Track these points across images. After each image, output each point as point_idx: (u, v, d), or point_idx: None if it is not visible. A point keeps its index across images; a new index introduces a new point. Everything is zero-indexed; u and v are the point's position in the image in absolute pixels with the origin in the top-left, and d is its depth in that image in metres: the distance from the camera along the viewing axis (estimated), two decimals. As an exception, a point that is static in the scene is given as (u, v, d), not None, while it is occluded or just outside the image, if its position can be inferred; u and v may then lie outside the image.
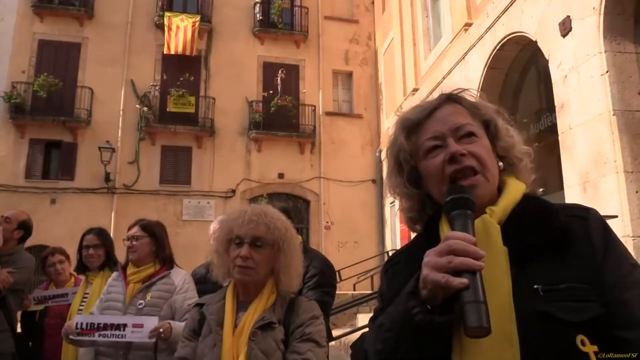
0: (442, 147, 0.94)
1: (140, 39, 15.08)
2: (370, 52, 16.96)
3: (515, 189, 0.94)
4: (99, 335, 2.39)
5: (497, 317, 0.76)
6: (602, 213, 0.97)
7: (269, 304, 1.68)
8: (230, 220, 1.75)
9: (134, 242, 2.63)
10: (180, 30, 14.70)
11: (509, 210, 0.90)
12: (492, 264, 0.81)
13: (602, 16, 5.21)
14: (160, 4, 15.32)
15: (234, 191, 14.74)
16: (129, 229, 2.71)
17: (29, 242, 3.56)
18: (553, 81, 6.11)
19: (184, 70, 14.81)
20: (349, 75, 16.81)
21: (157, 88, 14.60)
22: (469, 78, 8.17)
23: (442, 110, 0.98)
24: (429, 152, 0.95)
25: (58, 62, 14.34)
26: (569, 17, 5.73)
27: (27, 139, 13.78)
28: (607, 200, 5.02)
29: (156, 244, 2.68)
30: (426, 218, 1.02)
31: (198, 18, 15.00)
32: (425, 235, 0.99)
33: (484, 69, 7.82)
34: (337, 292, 3.12)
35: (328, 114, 16.04)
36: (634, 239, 4.73)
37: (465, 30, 8.66)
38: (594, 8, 5.31)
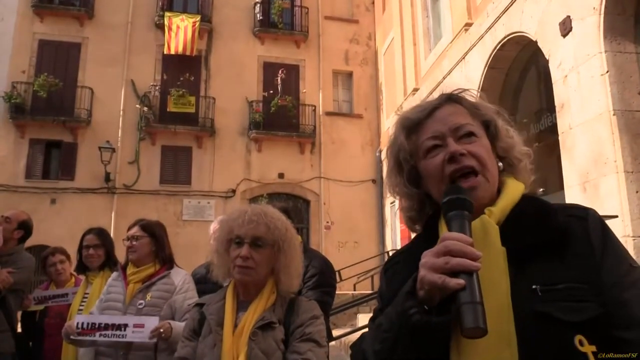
0: (442, 147, 0.94)
1: (141, 39, 15.09)
2: (370, 52, 16.96)
3: (514, 190, 0.94)
4: (100, 335, 2.39)
5: (495, 318, 0.76)
6: (602, 213, 0.97)
7: (269, 304, 1.68)
8: (230, 220, 1.75)
9: (134, 242, 2.63)
10: (181, 30, 14.70)
11: (508, 211, 0.90)
12: (491, 264, 0.81)
13: (602, 16, 5.21)
14: (160, 4, 15.33)
15: (234, 191, 14.74)
16: (129, 229, 2.71)
17: (29, 242, 3.56)
18: (553, 81, 6.11)
19: (184, 70, 14.81)
20: (349, 75, 16.82)
21: (157, 88, 14.60)
22: (469, 78, 8.16)
23: (442, 110, 0.98)
24: (429, 152, 0.95)
25: (58, 62, 14.34)
26: (569, 17, 5.73)
27: (27, 139, 13.78)
28: (607, 200, 5.01)
29: (156, 244, 2.68)
30: (426, 218, 1.02)
31: (198, 18, 15.00)
32: (425, 235, 0.99)
33: (484, 69, 7.82)
34: (337, 292, 3.13)
35: (328, 114, 16.04)
36: (634, 239, 4.73)
37: (466, 30, 8.66)
38: (594, 8, 5.31)
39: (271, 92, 15.20)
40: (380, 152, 15.41)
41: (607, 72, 5.13)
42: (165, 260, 2.70)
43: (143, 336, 2.32)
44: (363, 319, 8.36)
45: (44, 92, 13.63)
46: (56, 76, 13.87)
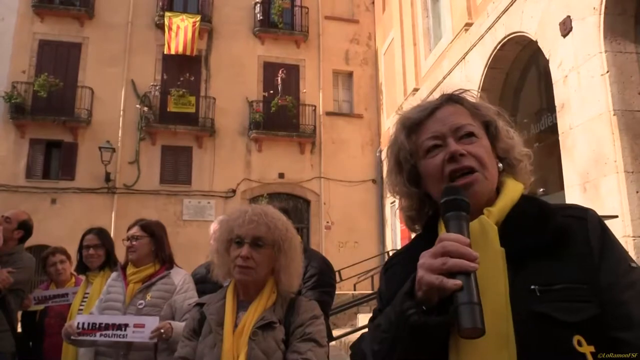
0: (442, 147, 0.94)
1: (141, 39, 15.09)
2: (370, 52, 16.96)
3: (513, 190, 0.94)
4: (101, 335, 2.39)
5: (493, 318, 0.76)
6: (602, 213, 0.97)
7: (269, 304, 1.68)
8: (230, 220, 1.75)
9: (134, 242, 2.63)
10: (181, 30, 14.71)
11: (507, 211, 0.90)
12: (489, 264, 0.81)
13: (602, 16, 5.21)
14: (160, 3, 15.33)
15: (234, 191, 14.74)
16: (129, 229, 2.71)
17: (29, 242, 3.56)
18: (553, 81, 6.11)
19: (184, 70, 14.82)
20: (349, 75, 16.82)
21: (157, 88, 14.61)
22: (469, 78, 8.17)
23: (442, 110, 0.98)
24: (429, 152, 0.95)
25: (58, 62, 14.35)
26: (569, 17, 5.73)
27: (27, 138, 13.78)
28: (607, 201, 5.01)
29: (156, 244, 2.68)
30: (425, 218, 1.02)
31: (198, 18, 15.01)
32: (425, 235, 0.99)
33: (485, 69, 7.82)
34: (337, 292, 3.12)
35: (328, 114, 16.04)
36: (634, 239, 4.73)
37: (466, 30, 8.65)
38: (594, 8, 5.31)
39: (271, 92, 15.20)
40: (380, 152, 15.41)
41: (608, 72, 5.13)
42: (165, 260, 2.70)
43: (143, 336, 2.32)
44: (363, 319, 8.36)
45: (44, 92, 13.63)
46: (56, 76, 13.87)
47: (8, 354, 3.02)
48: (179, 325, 2.28)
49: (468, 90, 1.03)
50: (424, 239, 0.95)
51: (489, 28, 7.63)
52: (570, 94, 5.70)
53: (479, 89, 7.69)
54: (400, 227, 13.27)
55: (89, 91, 14.29)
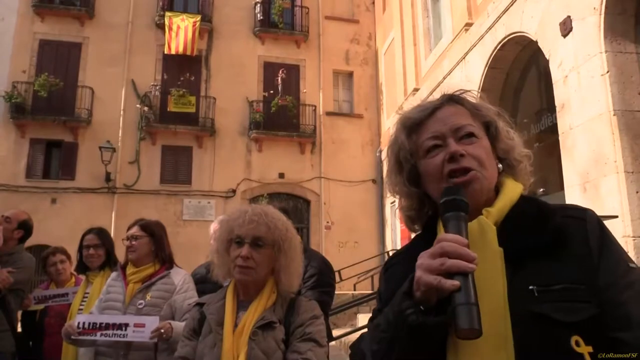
0: (442, 147, 0.94)
1: (141, 38, 15.09)
2: (370, 52, 16.96)
3: (512, 190, 0.94)
4: (101, 334, 2.39)
5: (491, 318, 0.77)
6: (602, 213, 0.97)
7: (269, 304, 1.69)
8: (230, 220, 1.75)
9: (133, 242, 2.63)
10: (181, 30, 14.71)
11: (506, 211, 0.90)
12: (487, 265, 0.81)
13: (602, 16, 5.21)
14: (160, 3, 15.33)
15: (234, 191, 14.75)
16: (128, 228, 2.71)
17: (29, 242, 3.56)
18: (553, 81, 6.11)
19: (184, 70, 14.82)
20: (350, 75, 16.82)
21: (157, 88, 14.61)
22: (469, 78, 8.17)
23: (443, 111, 0.98)
24: (429, 152, 0.96)
25: (59, 61, 14.35)
26: (569, 17, 5.73)
27: (27, 138, 13.78)
28: (607, 201, 5.01)
29: (155, 243, 2.68)
30: (425, 217, 1.02)
31: (199, 18, 15.01)
32: (424, 236, 0.99)
33: (485, 69, 7.82)
34: (337, 292, 3.13)
35: (328, 114, 16.04)
36: (634, 239, 4.73)
37: (466, 30, 8.65)
38: (594, 8, 5.31)
39: (271, 92, 15.20)
40: (380, 152, 15.40)
41: (608, 72, 5.13)
42: (164, 260, 2.70)
43: (144, 336, 2.32)
44: (363, 319, 8.36)
45: (45, 92, 13.64)
46: (57, 76, 13.87)
47: (8, 353, 3.02)
48: (179, 325, 2.28)
49: (469, 91, 1.03)
50: (424, 239, 0.95)
51: (489, 28, 7.63)
52: (571, 94, 5.70)
53: (479, 89, 7.69)
54: (400, 227, 13.27)
55: (89, 91, 14.29)
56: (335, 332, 5.52)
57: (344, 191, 15.33)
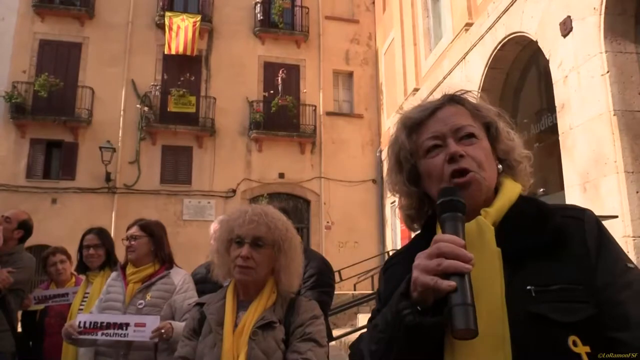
0: (442, 147, 0.94)
1: (141, 38, 15.09)
2: (370, 52, 16.96)
3: (511, 190, 0.94)
4: (102, 334, 2.39)
5: (489, 319, 0.77)
6: (602, 213, 0.97)
7: (269, 304, 1.69)
8: (231, 220, 1.75)
9: (133, 242, 2.63)
10: (181, 30, 14.71)
11: (504, 212, 0.90)
12: (485, 265, 0.81)
13: (602, 16, 5.20)
14: (161, 3, 15.33)
15: (234, 191, 14.75)
16: (128, 228, 2.71)
17: (29, 242, 3.56)
18: (553, 81, 6.11)
19: (184, 70, 14.82)
20: (350, 75, 16.82)
21: (157, 88, 14.61)
22: (469, 78, 8.17)
23: (443, 111, 0.99)
24: (429, 152, 0.96)
25: (59, 62, 14.35)
26: (569, 17, 5.73)
27: (28, 138, 13.78)
28: (607, 201, 5.01)
29: (155, 243, 2.68)
30: (425, 217, 1.02)
31: (199, 18, 15.01)
32: (424, 236, 0.99)
33: (485, 69, 7.82)
34: (337, 292, 3.13)
35: (328, 114, 16.04)
36: (634, 239, 4.73)
37: (466, 30, 8.65)
38: (594, 8, 5.31)
39: (271, 92, 15.20)
40: (380, 152, 15.41)
41: (608, 72, 5.13)
42: (164, 260, 2.70)
43: (144, 335, 2.32)
44: (363, 319, 8.36)
45: (45, 92, 13.63)
46: (57, 76, 13.87)
47: (8, 353, 3.02)
48: (179, 325, 2.28)
49: (470, 91, 1.03)
50: (424, 239, 0.95)
51: (489, 28, 7.63)
52: (571, 94, 5.70)
53: (479, 89, 7.69)
54: (400, 227, 13.27)
55: (90, 91, 14.30)
56: (335, 332, 5.52)
57: (344, 191, 15.33)
